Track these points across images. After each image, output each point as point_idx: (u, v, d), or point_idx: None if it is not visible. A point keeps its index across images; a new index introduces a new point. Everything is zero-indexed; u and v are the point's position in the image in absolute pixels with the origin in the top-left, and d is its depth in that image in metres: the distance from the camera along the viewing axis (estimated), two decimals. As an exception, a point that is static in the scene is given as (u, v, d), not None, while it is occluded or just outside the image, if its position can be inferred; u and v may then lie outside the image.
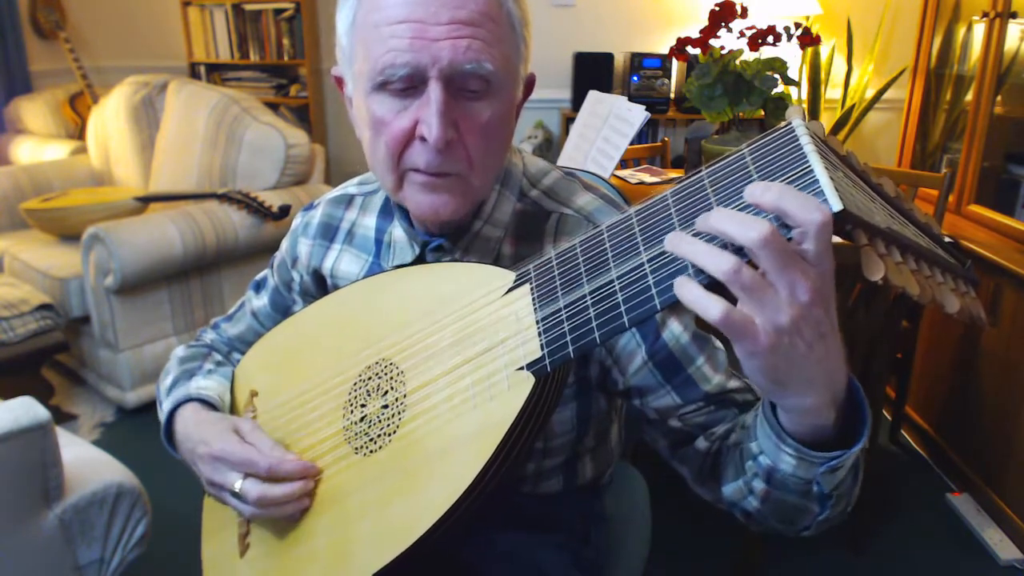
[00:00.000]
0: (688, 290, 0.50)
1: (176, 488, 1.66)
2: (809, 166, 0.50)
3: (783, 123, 0.53)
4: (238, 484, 0.77)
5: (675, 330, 0.78)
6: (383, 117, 0.72)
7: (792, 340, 0.49)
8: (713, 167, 0.55)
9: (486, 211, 0.81)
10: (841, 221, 0.48)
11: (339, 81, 0.80)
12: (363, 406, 0.74)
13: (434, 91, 0.68)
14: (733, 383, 0.79)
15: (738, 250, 0.49)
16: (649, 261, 0.55)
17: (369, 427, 0.73)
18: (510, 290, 0.66)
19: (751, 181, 0.51)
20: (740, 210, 0.50)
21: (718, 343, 0.80)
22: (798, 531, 0.68)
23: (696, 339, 0.78)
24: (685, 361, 0.77)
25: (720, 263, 0.48)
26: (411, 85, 0.70)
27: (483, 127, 0.72)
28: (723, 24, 2.12)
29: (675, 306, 0.78)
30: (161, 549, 1.56)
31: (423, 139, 0.70)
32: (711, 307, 0.49)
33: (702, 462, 0.77)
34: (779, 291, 0.48)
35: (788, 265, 0.48)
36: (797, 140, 0.51)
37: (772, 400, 0.56)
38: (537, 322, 0.62)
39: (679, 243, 0.51)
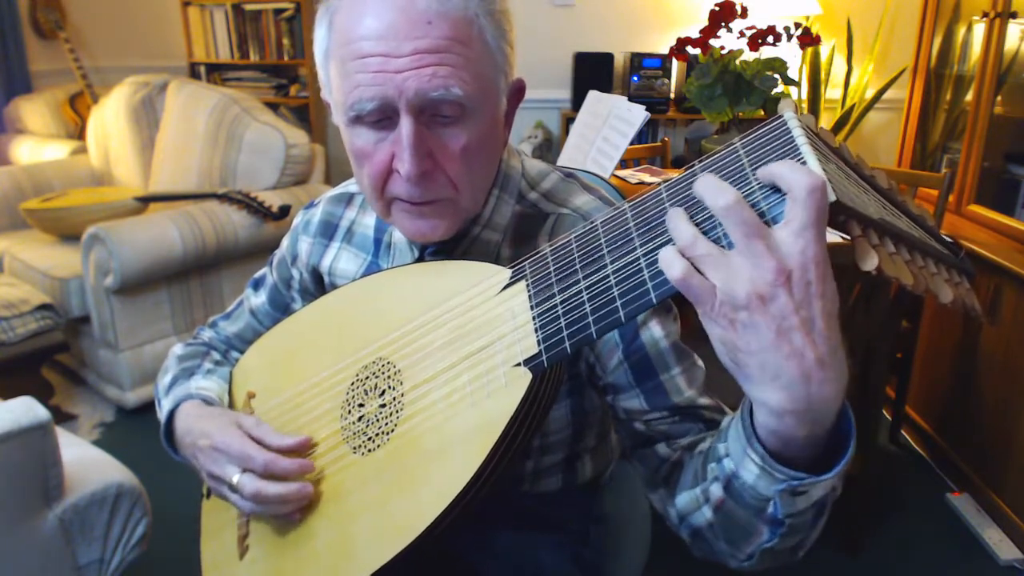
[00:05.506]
0: (663, 251, 0.52)
1: (176, 488, 1.66)
2: (802, 158, 0.50)
3: (775, 116, 0.53)
4: (235, 477, 0.77)
5: (655, 333, 0.77)
6: (363, 149, 0.72)
7: (753, 319, 0.49)
8: (706, 161, 0.55)
9: (484, 216, 0.81)
10: (834, 212, 0.49)
11: (328, 105, 0.79)
12: (361, 406, 0.74)
13: (404, 124, 0.68)
14: (704, 400, 0.77)
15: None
16: (644, 255, 0.55)
17: (367, 426, 0.73)
18: (506, 287, 0.66)
19: (744, 173, 0.52)
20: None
21: (700, 361, 0.79)
22: (741, 560, 0.65)
23: (676, 349, 0.77)
24: (660, 367, 0.76)
25: (681, 231, 0.51)
26: (384, 117, 0.69)
27: (462, 152, 0.71)
28: (723, 24, 2.12)
29: (661, 309, 0.78)
30: (161, 549, 1.56)
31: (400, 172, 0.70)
32: (673, 265, 0.50)
33: (659, 465, 0.76)
34: (741, 263, 0.49)
35: (752, 236, 0.48)
36: (789, 132, 0.51)
37: (738, 380, 0.54)
38: (533, 318, 0.62)
39: (670, 214, 0.53)
